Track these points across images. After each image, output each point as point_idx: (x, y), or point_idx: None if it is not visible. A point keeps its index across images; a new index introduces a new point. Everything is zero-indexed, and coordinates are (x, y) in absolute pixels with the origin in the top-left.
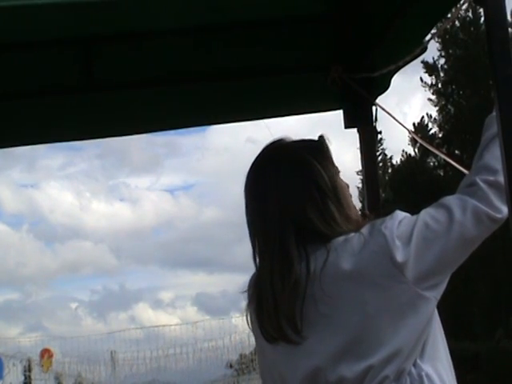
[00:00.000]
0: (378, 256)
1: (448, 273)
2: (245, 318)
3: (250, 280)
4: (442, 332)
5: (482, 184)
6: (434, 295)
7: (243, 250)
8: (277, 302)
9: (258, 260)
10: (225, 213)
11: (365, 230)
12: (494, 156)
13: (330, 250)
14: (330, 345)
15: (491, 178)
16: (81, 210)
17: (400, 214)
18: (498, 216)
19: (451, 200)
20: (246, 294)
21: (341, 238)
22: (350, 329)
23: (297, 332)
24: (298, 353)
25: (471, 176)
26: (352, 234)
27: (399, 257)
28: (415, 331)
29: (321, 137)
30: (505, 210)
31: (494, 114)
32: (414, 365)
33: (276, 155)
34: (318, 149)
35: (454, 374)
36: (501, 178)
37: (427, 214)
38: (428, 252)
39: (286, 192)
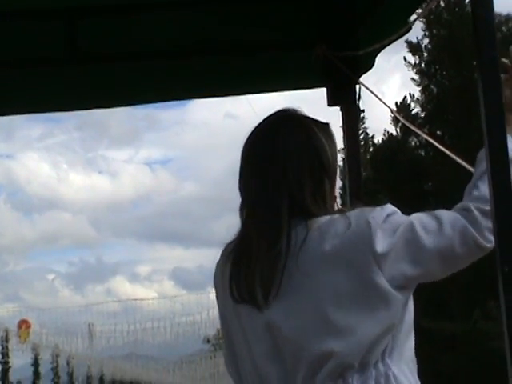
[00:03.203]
0: (360, 242)
1: (419, 281)
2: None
3: (229, 243)
4: (413, 333)
5: (475, 211)
6: (402, 297)
7: (220, 226)
8: (257, 265)
9: (244, 221)
10: (203, 188)
11: (352, 214)
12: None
13: (310, 228)
14: (294, 320)
15: (485, 208)
16: (59, 182)
17: (390, 208)
18: (485, 244)
19: (444, 213)
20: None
21: (325, 218)
22: (317, 309)
23: (266, 299)
24: (261, 318)
25: (465, 202)
26: (337, 216)
27: (379, 248)
28: (382, 325)
29: (327, 123)
30: (492, 245)
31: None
32: (383, 362)
33: (289, 122)
34: (325, 129)
35: (417, 377)
36: None
37: (418, 218)
38: (407, 255)
39: (292, 161)
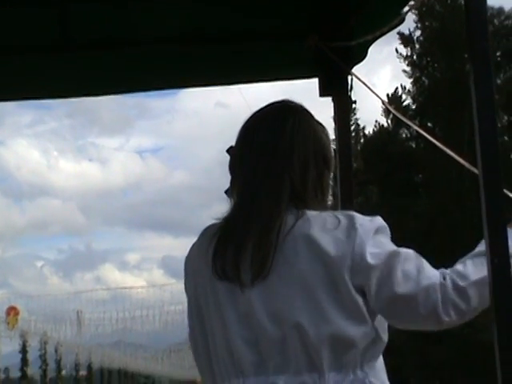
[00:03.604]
0: (343, 243)
1: (377, 314)
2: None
3: (212, 225)
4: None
5: (449, 282)
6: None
7: (210, 215)
8: (249, 246)
9: (240, 202)
10: (193, 177)
11: (342, 216)
12: (475, 269)
13: (300, 218)
14: (269, 305)
15: (461, 284)
16: (49, 169)
17: (380, 222)
18: (443, 317)
19: (428, 269)
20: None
21: (316, 212)
22: (292, 297)
23: (253, 280)
24: (241, 297)
25: (447, 270)
26: (326, 213)
27: (358, 257)
28: (354, 327)
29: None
30: (448, 322)
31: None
32: (362, 369)
33: (297, 114)
34: (324, 127)
35: None
36: (470, 291)
37: (403, 259)
38: (376, 286)
39: (298, 152)
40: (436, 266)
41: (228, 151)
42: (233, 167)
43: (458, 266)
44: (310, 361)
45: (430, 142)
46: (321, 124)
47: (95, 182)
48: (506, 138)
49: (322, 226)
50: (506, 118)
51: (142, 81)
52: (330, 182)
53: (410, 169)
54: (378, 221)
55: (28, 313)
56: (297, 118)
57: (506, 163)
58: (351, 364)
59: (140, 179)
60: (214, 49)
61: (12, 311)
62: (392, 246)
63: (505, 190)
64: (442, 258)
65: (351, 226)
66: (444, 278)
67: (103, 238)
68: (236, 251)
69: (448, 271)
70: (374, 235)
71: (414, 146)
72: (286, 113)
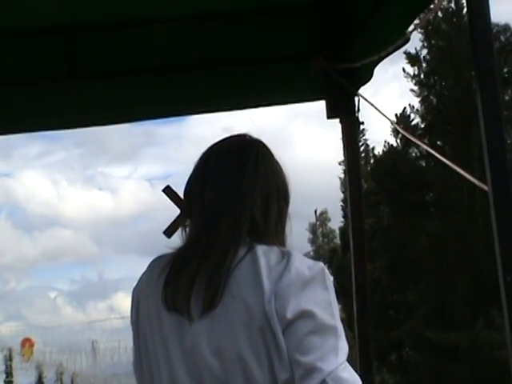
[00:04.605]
0: (284, 284)
1: None
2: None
3: (161, 256)
4: None
5: None
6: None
7: None
8: (203, 275)
9: (198, 230)
10: None
11: (292, 254)
12: None
13: (249, 251)
14: (213, 341)
15: None
16: (59, 199)
17: (324, 275)
18: None
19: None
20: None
21: (265, 246)
22: (232, 334)
23: (202, 312)
24: (188, 330)
25: None
26: (277, 248)
27: (289, 309)
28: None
29: None
30: None
31: None
32: None
33: (260, 147)
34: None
35: None
36: None
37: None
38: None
39: (262, 185)
40: (450, 284)
41: (165, 191)
42: (189, 199)
43: None
44: None
45: (440, 160)
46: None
47: (105, 210)
48: None
49: (267, 261)
50: None
51: (150, 109)
52: (339, 201)
53: (421, 188)
54: (315, 269)
55: (43, 344)
56: (259, 152)
57: None
58: None
59: (150, 206)
60: (221, 74)
61: (27, 343)
62: (325, 320)
63: None
64: (452, 275)
65: (300, 268)
66: None
67: (115, 266)
68: (189, 283)
69: None
70: (303, 287)
71: (424, 164)
72: (247, 147)
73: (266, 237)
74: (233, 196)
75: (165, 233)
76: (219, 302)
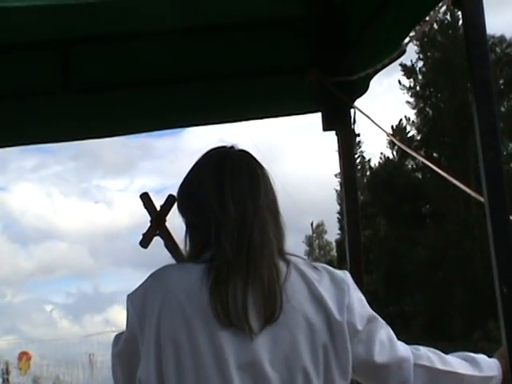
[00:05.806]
0: (337, 294)
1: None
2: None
3: (177, 268)
4: None
5: (425, 361)
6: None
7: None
8: (254, 291)
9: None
10: None
11: (322, 266)
12: (460, 364)
13: (289, 265)
14: (277, 354)
15: (437, 367)
16: (54, 212)
17: (350, 278)
18: None
19: (394, 336)
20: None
21: (298, 259)
22: (296, 344)
23: (262, 326)
24: (248, 346)
25: (424, 349)
26: (305, 262)
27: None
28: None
29: None
30: None
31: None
32: None
33: (261, 165)
34: None
35: None
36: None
37: (380, 322)
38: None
39: (271, 197)
40: (447, 295)
41: (142, 197)
42: (200, 211)
43: (440, 357)
44: None
45: (437, 172)
46: None
47: (101, 223)
48: (511, 165)
49: (312, 274)
50: (510, 145)
51: (146, 121)
52: (336, 213)
53: (417, 200)
54: (350, 277)
55: (40, 357)
56: (264, 169)
57: None
58: None
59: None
60: (217, 87)
61: (24, 356)
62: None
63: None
64: (452, 288)
65: (339, 278)
66: (419, 356)
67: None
68: (242, 300)
69: (426, 350)
70: (360, 300)
71: (420, 176)
72: (250, 158)
73: (283, 248)
74: (254, 209)
75: (141, 244)
76: (279, 314)
